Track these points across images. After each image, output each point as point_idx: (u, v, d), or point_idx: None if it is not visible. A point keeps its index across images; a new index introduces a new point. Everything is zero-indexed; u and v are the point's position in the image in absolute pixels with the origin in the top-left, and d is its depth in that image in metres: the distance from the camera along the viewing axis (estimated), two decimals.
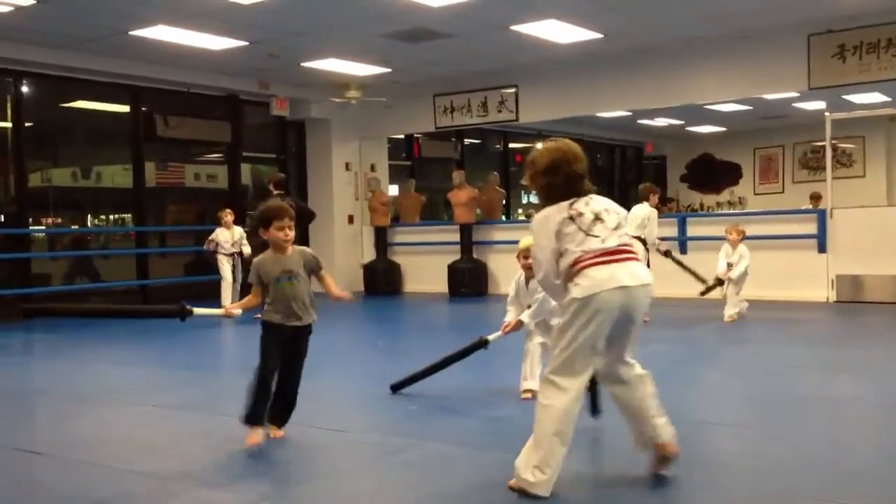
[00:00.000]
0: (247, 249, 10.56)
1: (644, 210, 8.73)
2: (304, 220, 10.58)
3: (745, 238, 8.84)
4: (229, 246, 10.54)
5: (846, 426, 4.48)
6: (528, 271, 4.83)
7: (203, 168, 13.55)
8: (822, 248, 10.20)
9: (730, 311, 8.57)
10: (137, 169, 11.88)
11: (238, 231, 10.64)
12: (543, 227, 3.44)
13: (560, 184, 3.50)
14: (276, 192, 9.89)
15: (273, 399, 4.35)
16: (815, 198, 13.91)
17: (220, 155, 13.31)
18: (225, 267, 10.60)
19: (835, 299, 10.11)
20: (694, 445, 3.81)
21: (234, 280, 10.63)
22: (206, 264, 11.08)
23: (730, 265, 8.66)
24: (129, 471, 3.94)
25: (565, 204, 3.43)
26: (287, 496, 3.53)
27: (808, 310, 9.56)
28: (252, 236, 9.85)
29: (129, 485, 3.74)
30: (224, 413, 5.21)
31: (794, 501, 3.27)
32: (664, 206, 16.86)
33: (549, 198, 3.52)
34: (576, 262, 3.32)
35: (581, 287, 3.28)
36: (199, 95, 12.31)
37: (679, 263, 9.26)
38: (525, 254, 4.91)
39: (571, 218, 3.38)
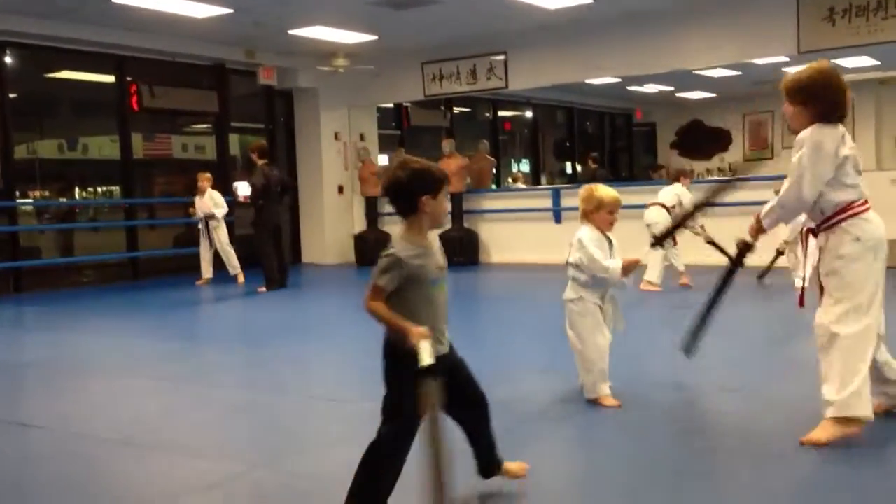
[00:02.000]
0: (219, 212, 10.55)
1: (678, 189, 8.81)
2: (287, 191, 10.54)
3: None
4: (202, 210, 10.62)
5: None
6: (610, 227, 4.17)
7: (191, 139, 13.44)
8: None
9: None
10: (124, 140, 11.77)
11: (210, 194, 10.64)
12: (820, 146, 3.35)
13: (831, 105, 3.42)
14: (261, 162, 9.85)
15: (477, 450, 3.05)
16: None
17: (208, 125, 13.20)
18: (202, 234, 10.70)
19: None
20: None
21: (211, 246, 10.68)
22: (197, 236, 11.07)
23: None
24: (124, 442, 3.96)
25: (838, 133, 3.38)
26: (279, 466, 3.54)
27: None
28: (258, 211, 9.83)
29: (124, 457, 3.76)
30: (217, 385, 5.24)
31: None
32: (654, 172, 16.87)
33: (823, 118, 3.41)
34: (851, 205, 3.42)
35: (868, 228, 3.43)
36: (185, 65, 12.17)
37: (712, 242, 8.92)
38: (612, 208, 4.13)
39: (846, 156, 3.39)
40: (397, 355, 2.70)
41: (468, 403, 2.96)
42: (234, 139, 13.47)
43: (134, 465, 3.67)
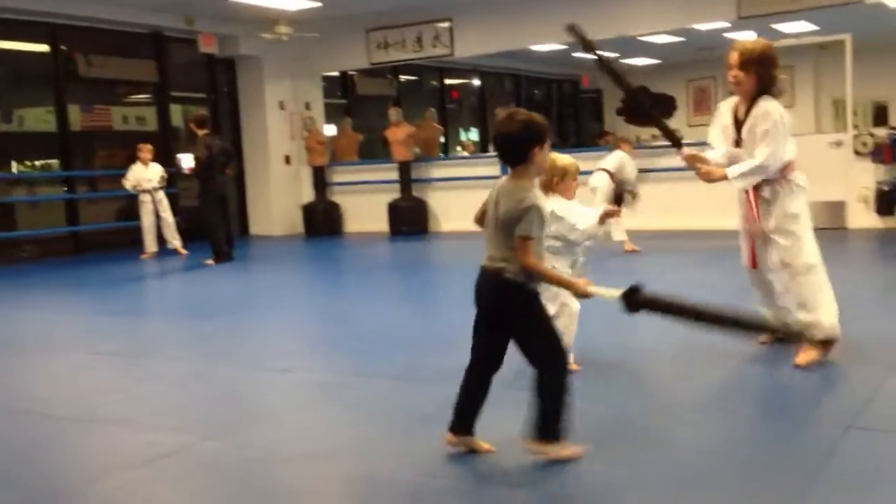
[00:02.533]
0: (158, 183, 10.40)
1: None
2: (231, 161, 10.38)
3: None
4: (146, 182, 10.40)
5: None
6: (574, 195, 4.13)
7: (131, 110, 13.10)
8: None
9: None
10: (61, 112, 11.43)
11: (156, 168, 10.46)
12: (783, 119, 3.94)
13: (772, 78, 3.98)
14: (201, 132, 9.68)
15: (464, 406, 3.16)
16: None
17: (148, 96, 12.89)
18: (145, 207, 10.45)
19: None
20: None
21: (159, 218, 10.51)
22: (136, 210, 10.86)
23: None
24: (68, 418, 3.89)
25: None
26: (230, 437, 3.52)
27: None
28: (203, 183, 9.68)
29: (69, 432, 3.70)
30: (165, 358, 5.18)
31: None
32: (601, 139, 17.00)
33: (764, 89, 3.98)
34: (792, 162, 4.05)
35: (802, 176, 4.11)
36: (122, 33, 11.83)
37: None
38: (575, 175, 4.13)
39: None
40: (530, 298, 2.95)
41: (494, 363, 3.08)
42: (176, 109, 13.17)
43: (79, 439, 3.62)
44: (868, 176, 9.82)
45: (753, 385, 3.98)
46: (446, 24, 12.15)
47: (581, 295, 3.00)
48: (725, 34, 15.27)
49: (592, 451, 2.99)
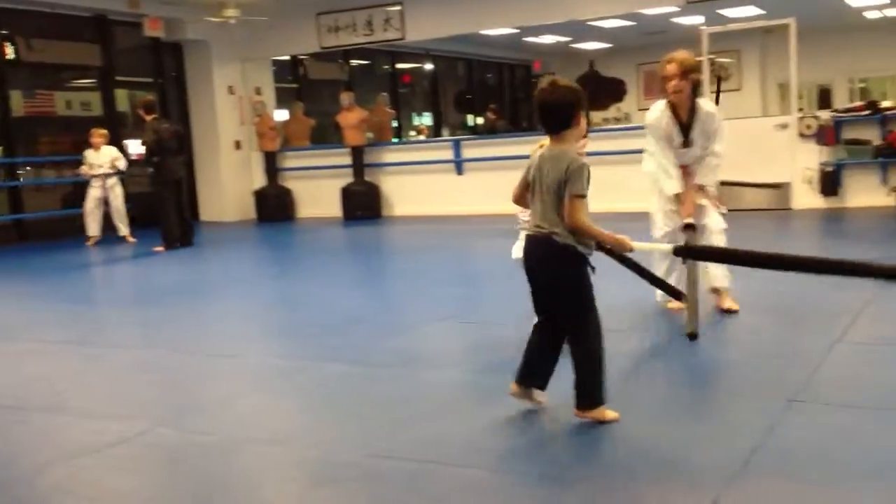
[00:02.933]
0: (120, 164, 10.23)
1: None
2: (182, 144, 10.23)
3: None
4: (97, 168, 10.20)
5: None
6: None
7: (75, 95, 12.80)
8: None
9: None
10: (2, 97, 11.12)
11: (108, 152, 10.25)
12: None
13: (700, 83, 4.70)
14: (149, 118, 9.54)
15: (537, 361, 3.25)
16: None
17: (93, 80, 12.60)
18: (91, 192, 10.25)
19: None
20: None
21: (108, 204, 10.32)
22: (81, 196, 10.63)
23: None
24: (15, 406, 3.82)
25: None
26: (181, 423, 3.49)
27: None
28: (155, 168, 9.52)
29: (17, 421, 3.63)
30: (115, 346, 5.10)
31: None
32: None
33: (696, 93, 4.54)
34: None
35: None
36: (64, 16, 11.53)
37: None
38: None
39: None
40: (581, 263, 3.07)
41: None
42: (121, 94, 12.91)
43: (26, 428, 3.55)
44: (812, 158, 10.04)
45: (695, 357, 4.06)
46: (397, 8, 12.08)
47: (628, 250, 3.26)
48: (674, 19, 15.47)
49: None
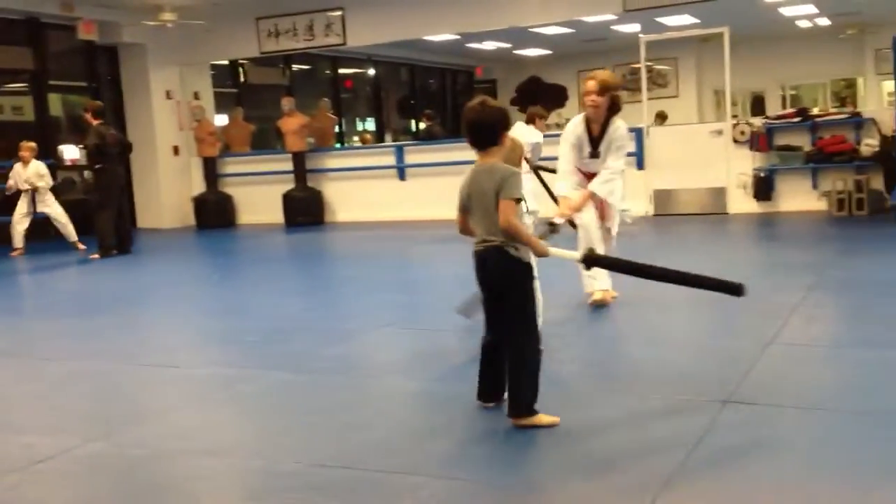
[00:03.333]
0: (41, 183, 9.92)
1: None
2: (126, 152, 10.03)
3: None
4: (22, 182, 9.92)
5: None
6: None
7: (6, 99, 12.42)
8: (640, 165, 10.78)
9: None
10: None
11: (33, 167, 9.95)
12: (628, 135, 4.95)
13: (619, 100, 4.88)
14: (96, 122, 9.37)
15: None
16: (661, 116, 14.40)
17: (25, 85, 12.25)
18: (20, 205, 10.03)
19: (653, 213, 10.76)
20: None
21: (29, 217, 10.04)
22: (14, 204, 10.30)
23: None
24: None
25: None
26: (115, 436, 3.40)
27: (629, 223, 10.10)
28: (96, 173, 9.28)
29: None
30: (47, 358, 4.95)
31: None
32: None
33: (614, 110, 4.88)
34: None
35: None
36: None
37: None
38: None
39: None
40: (524, 267, 3.18)
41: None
42: (54, 98, 12.58)
43: None
44: (746, 163, 10.30)
45: (629, 358, 4.11)
46: (338, 13, 12.03)
47: (541, 255, 3.25)
48: (613, 27, 15.70)
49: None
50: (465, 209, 3.24)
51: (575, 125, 5.05)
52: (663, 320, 4.88)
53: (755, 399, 3.38)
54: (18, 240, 10.12)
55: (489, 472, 2.84)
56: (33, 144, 10.18)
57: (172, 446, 3.25)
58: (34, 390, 4.24)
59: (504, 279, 3.18)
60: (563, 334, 4.48)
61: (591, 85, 4.81)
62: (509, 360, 3.19)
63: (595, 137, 5.02)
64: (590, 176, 5.10)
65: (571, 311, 5.12)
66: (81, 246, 10.01)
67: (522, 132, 6.28)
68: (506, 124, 3.24)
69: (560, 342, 4.41)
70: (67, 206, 10.52)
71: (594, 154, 5.04)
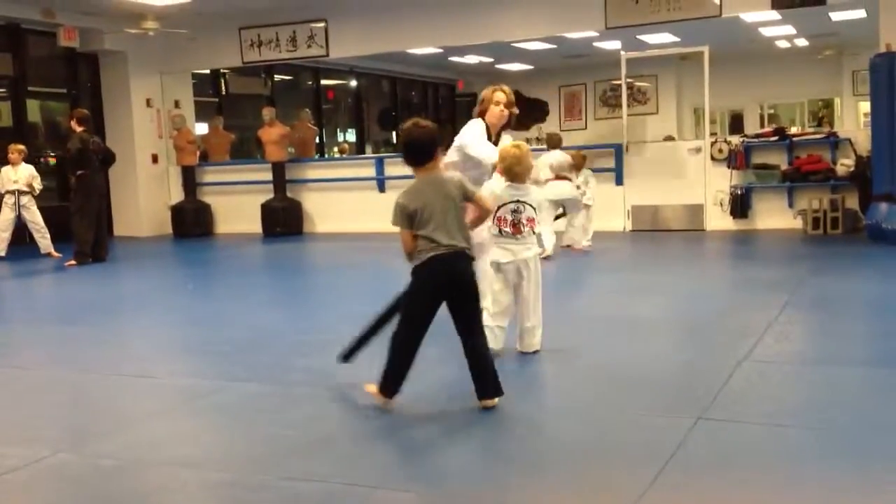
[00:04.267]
0: (37, 184, 9.89)
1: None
2: (108, 161, 9.96)
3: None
4: (11, 184, 9.83)
5: (644, 342, 4.86)
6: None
7: None
8: (619, 181, 10.84)
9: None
10: None
11: (26, 169, 9.89)
12: None
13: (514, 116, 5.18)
14: (80, 129, 9.32)
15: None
16: (553, 140, 14.15)
17: (3, 90, 12.15)
18: (5, 211, 9.92)
19: (630, 228, 10.83)
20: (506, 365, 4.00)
21: (20, 220, 9.94)
22: None
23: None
24: None
25: None
26: (86, 447, 3.37)
27: (607, 239, 10.10)
28: (77, 180, 9.26)
29: None
30: (17, 366, 4.89)
31: (595, 411, 3.53)
32: None
33: (508, 126, 5.17)
34: None
35: None
36: None
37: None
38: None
39: None
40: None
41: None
42: (33, 105, 12.48)
43: None
44: (724, 181, 10.39)
45: (607, 371, 4.12)
46: (321, 25, 12.04)
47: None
48: (594, 43, 15.83)
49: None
50: (417, 224, 3.44)
51: (480, 126, 5.19)
52: (642, 337, 4.89)
53: (728, 415, 3.39)
54: (3, 248, 10.01)
55: (461, 483, 2.83)
56: (22, 147, 10.11)
57: (143, 457, 3.21)
58: (4, 400, 4.18)
59: (472, 280, 3.53)
60: (543, 349, 4.48)
61: (501, 96, 5.13)
62: (476, 349, 3.52)
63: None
64: None
65: (551, 326, 5.12)
66: (56, 254, 9.91)
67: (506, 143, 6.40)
68: (439, 141, 3.55)
69: (538, 357, 4.42)
70: (43, 212, 10.43)
71: None
